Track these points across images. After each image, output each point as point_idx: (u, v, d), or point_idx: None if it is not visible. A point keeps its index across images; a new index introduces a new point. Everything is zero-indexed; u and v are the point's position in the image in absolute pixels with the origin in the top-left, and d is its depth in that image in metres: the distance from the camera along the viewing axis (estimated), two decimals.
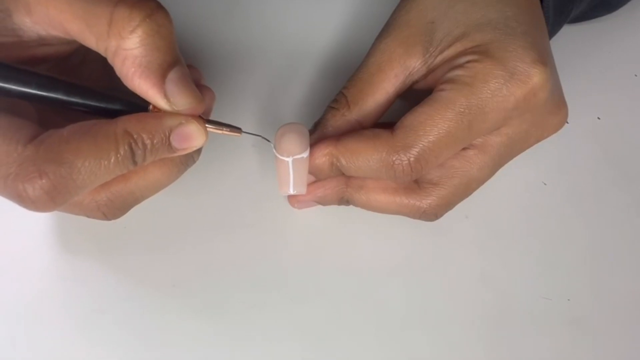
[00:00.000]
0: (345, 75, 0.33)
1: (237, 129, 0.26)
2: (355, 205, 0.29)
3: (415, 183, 0.28)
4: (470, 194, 0.28)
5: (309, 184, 0.28)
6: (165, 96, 0.23)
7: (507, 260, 0.30)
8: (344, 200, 0.29)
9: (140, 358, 0.27)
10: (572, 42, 0.35)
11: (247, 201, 0.31)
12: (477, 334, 0.29)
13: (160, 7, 0.23)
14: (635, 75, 0.36)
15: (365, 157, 0.26)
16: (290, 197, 0.30)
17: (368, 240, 0.29)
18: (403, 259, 0.30)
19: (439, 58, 0.26)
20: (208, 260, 0.30)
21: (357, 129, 0.27)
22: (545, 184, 0.32)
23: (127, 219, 0.31)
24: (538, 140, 0.28)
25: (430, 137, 0.25)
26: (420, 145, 0.25)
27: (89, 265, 0.29)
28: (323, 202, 0.29)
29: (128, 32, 0.22)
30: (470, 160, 0.27)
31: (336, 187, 0.29)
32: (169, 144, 0.24)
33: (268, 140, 0.28)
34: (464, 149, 0.27)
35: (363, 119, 0.28)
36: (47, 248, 0.30)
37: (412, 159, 0.25)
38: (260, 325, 0.28)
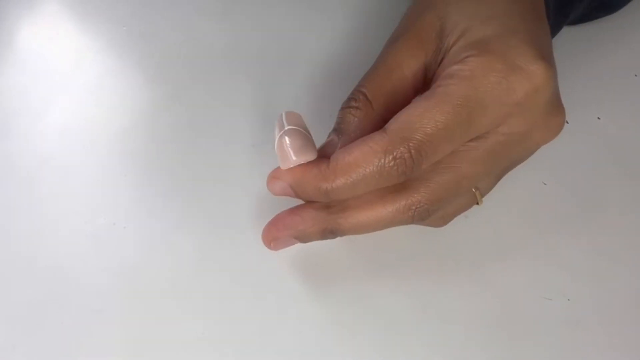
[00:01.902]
0: (344, 77, 0.33)
1: None
2: (343, 233, 0.27)
3: (401, 185, 0.26)
4: (462, 191, 0.27)
5: (284, 217, 0.27)
6: None
7: (507, 260, 0.30)
8: (327, 231, 0.26)
9: (140, 358, 0.27)
10: (571, 42, 0.35)
11: (247, 201, 0.31)
12: (477, 333, 0.29)
13: None
14: (636, 75, 0.36)
15: (363, 166, 0.24)
16: (265, 235, 0.27)
17: (367, 241, 0.29)
18: (402, 259, 0.30)
19: (447, 53, 0.26)
20: (207, 260, 0.30)
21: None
22: (545, 184, 0.32)
23: (127, 218, 0.31)
24: (540, 144, 0.27)
25: (428, 129, 0.24)
26: (418, 137, 0.23)
27: (89, 265, 0.29)
28: (304, 237, 0.27)
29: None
30: (458, 155, 0.25)
31: (316, 217, 0.26)
32: None
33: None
34: None
35: (387, 116, 0.26)
36: (47, 249, 0.30)
37: (413, 151, 0.24)
38: (260, 325, 0.28)
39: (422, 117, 0.24)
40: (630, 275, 0.30)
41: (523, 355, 0.28)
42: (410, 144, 0.24)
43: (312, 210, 0.26)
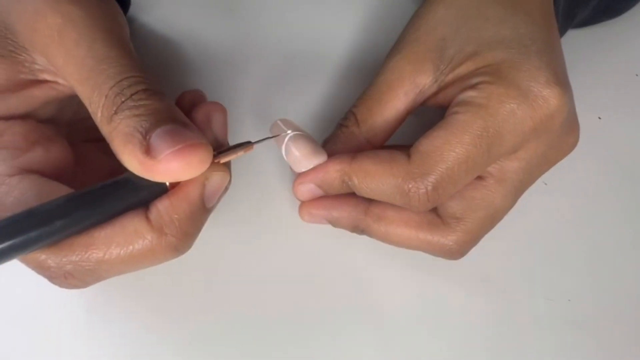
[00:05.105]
0: (346, 78, 0.33)
1: (248, 144, 0.24)
2: (372, 236, 0.28)
3: (439, 218, 0.27)
4: (494, 225, 0.27)
5: (328, 199, 0.28)
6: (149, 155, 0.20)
7: (508, 260, 0.30)
8: (358, 229, 0.28)
9: (140, 357, 0.27)
10: (572, 42, 0.35)
11: (247, 201, 0.31)
12: (478, 334, 0.29)
13: None
14: (636, 75, 0.36)
15: (379, 180, 0.25)
16: (303, 206, 0.28)
17: (368, 242, 0.29)
18: (403, 260, 0.30)
19: (450, 76, 0.26)
20: (208, 260, 0.30)
21: (367, 148, 0.27)
22: (545, 184, 0.32)
23: None
24: (554, 163, 0.27)
25: (448, 163, 0.24)
26: (438, 173, 0.24)
27: None
28: (336, 223, 0.28)
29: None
30: (491, 190, 0.26)
31: (353, 212, 0.27)
32: (206, 209, 0.23)
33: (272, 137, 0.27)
34: (481, 177, 0.26)
35: (372, 138, 0.27)
36: None
37: (429, 188, 0.24)
38: (261, 326, 0.28)
39: (442, 150, 0.24)
40: (630, 276, 0.30)
41: (524, 355, 0.28)
42: (428, 181, 0.24)
43: (351, 206, 0.27)
